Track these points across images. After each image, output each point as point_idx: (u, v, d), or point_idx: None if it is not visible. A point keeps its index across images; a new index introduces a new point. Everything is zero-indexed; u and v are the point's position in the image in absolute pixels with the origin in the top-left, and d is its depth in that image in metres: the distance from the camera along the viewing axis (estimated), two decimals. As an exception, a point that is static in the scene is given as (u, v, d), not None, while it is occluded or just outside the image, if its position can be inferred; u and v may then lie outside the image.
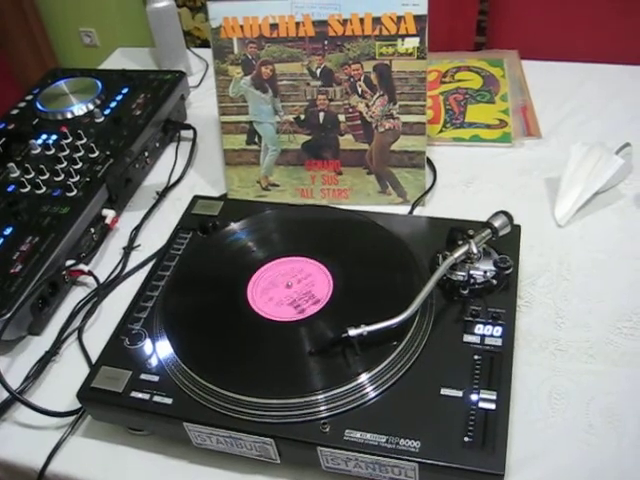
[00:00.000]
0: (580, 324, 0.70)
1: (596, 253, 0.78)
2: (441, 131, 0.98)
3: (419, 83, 0.79)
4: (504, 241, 0.69)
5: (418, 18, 0.77)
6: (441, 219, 0.74)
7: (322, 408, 0.57)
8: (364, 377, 0.58)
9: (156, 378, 0.61)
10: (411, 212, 0.83)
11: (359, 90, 0.81)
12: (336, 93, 0.82)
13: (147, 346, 0.63)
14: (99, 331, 0.76)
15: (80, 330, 0.76)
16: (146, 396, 0.60)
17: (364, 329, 0.59)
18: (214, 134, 1.04)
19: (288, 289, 0.66)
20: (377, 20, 0.78)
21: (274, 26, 0.80)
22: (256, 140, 0.86)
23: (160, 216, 0.91)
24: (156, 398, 0.60)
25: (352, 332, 0.59)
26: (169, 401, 0.59)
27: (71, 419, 0.67)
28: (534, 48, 1.11)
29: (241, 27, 0.80)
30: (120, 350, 0.64)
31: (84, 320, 0.76)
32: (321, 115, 0.83)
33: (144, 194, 0.95)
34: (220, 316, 0.65)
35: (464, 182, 0.90)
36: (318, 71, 0.81)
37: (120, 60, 1.26)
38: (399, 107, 0.81)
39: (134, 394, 0.61)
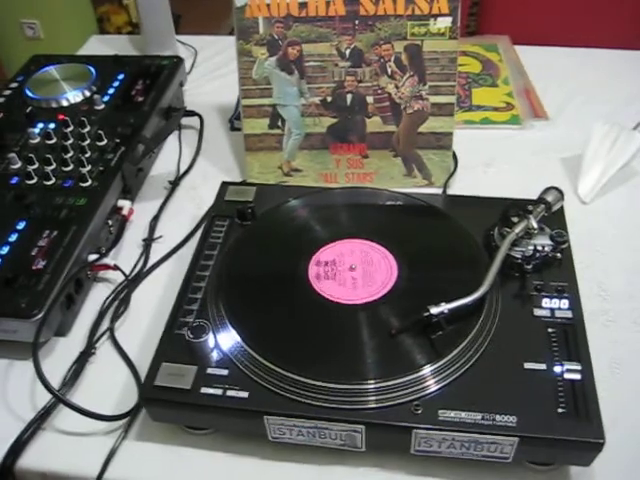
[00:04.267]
0: (624, 296, 0.72)
1: (624, 227, 0.80)
2: (451, 114, 0.98)
3: (450, 63, 0.79)
4: (548, 217, 0.69)
5: (451, -3, 0.76)
6: (486, 198, 0.74)
7: (411, 390, 0.55)
8: (449, 357, 0.57)
9: (225, 372, 0.58)
10: (444, 192, 0.83)
11: (389, 71, 0.80)
12: (365, 74, 0.80)
13: (210, 338, 0.60)
14: (129, 327, 0.71)
15: (112, 328, 0.71)
16: (218, 391, 0.56)
17: (445, 307, 0.58)
18: (216, 121, 1.01)
19: (352, 271, 0.64)
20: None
21: (303, 5, 0.77)
22: (279, 124, 0.83)
23: (175, 206, 0.86)
24: (230, 393, 0.56)
25: (434, 310, 0.57)
26: (245, 395, 0.56)
27: (118, 423, 0.62)
28: (523, 34, 1.13)
29: (267, 6, 0.77)
30: (179, 345, 0.60)
31: (115, 316, 0.71)
32: (349, 97, 0.81)
33: (153, 184, 0.90)
34: (286, 300, 0.63)
35: (483, 163, 0.90)
36: (347, 51, 0.79)
37: (98, 47, 1.19)
38: (429, 88, 0.80)
39: (204, 390, 0.57)
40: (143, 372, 0.60)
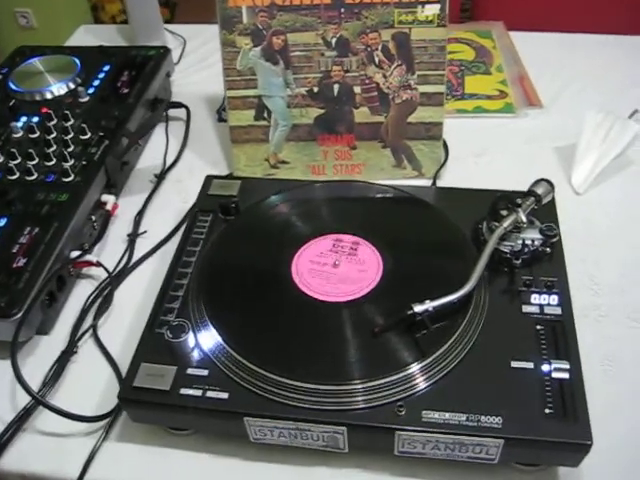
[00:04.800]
0: (616, 289, 0.70)
1: (617, 219, 0.78)
2: (443, 103, 0.96)
3: (439, 52, 0.77)
4: (538, 209, 0.68)
5: (439, -17, 0.74)
6: (477, 190, 0.72)
7: (394, 390, 0.54)
8: (433, 356, 0.55)
9: (205, 372, 0.57)
10: (434, 184, 0.81)
11: (376, 60, 0.78)
12: (352, 64, 0.78)
13: (190, 338, 0.58)
14: (112, 325, 0.70)
15: (95, 326, 0.69)
16: (198, 392, 0.55)
17: (429, 305, 0.56)
18: (204, 112, 0.99)
19: (335, 268, 0.63)
20: (397, -14, 0.74)
21: (287, -8, 0.75)
22: (265, 115, 0.81)
23: (160, 200, 0.85)
24: (209, 394, 0.55)
25: (418, 308, 0.56)
26: (225, 396, 0.55)
27: (99, 424, 0.61)
28: (518, 19, 1.11)
29: (251, -6, 0.75)
30: (159, 344, 0.59)
31: (98, 315, 0.70)
32: (335, 87, 0.79)
33: (138, 178, 0.88)
34: (268, 299, 0.61)
35: (474, 153, 0.88)
36: (333, 41, 0.77)
37: (85, 38, 1.17)
38: (417, 77, 0.78)
39: (184, 391, 0.56)
40: (126, 371, 0.59)
